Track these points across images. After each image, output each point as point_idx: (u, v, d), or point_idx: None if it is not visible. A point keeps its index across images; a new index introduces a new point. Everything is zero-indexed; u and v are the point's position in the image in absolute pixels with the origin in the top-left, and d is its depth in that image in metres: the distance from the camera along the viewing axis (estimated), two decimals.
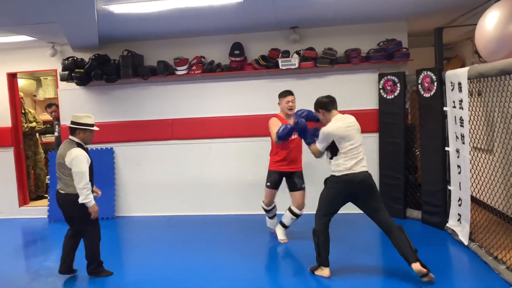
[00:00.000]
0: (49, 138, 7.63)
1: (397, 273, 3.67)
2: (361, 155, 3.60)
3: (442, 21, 5.53)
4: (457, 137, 4.27)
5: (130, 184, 6.00)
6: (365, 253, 4.22)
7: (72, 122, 3.75)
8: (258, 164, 5.67)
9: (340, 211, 3.72)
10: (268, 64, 5.43)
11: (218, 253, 4.38)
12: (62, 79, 5.76)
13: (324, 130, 3.61)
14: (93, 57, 5.62)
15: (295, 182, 4.44)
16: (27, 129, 6.66)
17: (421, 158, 5.01)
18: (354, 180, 3.52)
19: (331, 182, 3.62)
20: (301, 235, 4.54)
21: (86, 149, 3.76)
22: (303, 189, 4.46)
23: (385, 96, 5.30)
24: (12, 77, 6.29)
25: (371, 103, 5.47)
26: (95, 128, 3.81)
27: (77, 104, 6.00)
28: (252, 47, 5.64)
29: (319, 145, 3.67)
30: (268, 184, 4.52)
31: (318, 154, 3.73)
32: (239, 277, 3.82)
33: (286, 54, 5.41)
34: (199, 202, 5.85)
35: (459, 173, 4.27)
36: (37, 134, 7.17)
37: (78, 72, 5.60)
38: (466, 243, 4.15)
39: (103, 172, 5.95)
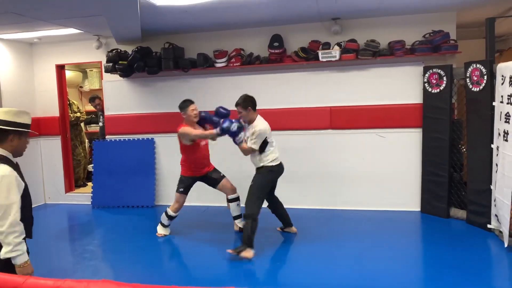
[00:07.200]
0: (94, 128, 7.93)
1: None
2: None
3: (494, 12, 5.22)
4: (499, 134, 4.07)
5: (170, 174, 6.12)
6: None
7: (3, 122, 2.26)
8: (294, 158, 5.64)
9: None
10: (308, 56, 5.35)
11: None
12: (107, 71, 5.94)
13: (259, 129, 4.04)
14: (136, 49, 5.75)
15: (214, 177, 4.69)
16: (73, 119, 6.94)
17: (468, 156, 4.78)
18: (282, 168, 4.24)
19: (265, 172, 4.12)
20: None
21: (17, 167, 2.33)
22: (224, 176, 4.73)
23: (430, 90, 5.08)
24: (60, 69, 6.57)
25: (415, 97, 5.27)
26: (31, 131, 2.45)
27: (120, 95, 6.19)
28: (291, 39, 5.57)
29: (254, 143, 4.05)
30: (181, 189, 4.63)
31: (249, 152, 4.13)
32: (263, 269, 3.81)
33: (327, 46, 5.30)
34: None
35: (496, 171, 4.11)
36: (82, 124, 7.46)
37: (122, 64, 5.76)
38: (506, 244, 3.99)
39: (144, 162, 6.14)
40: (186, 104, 4.54)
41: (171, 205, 4.71)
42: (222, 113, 4.48)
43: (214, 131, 4.25)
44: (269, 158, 4.13)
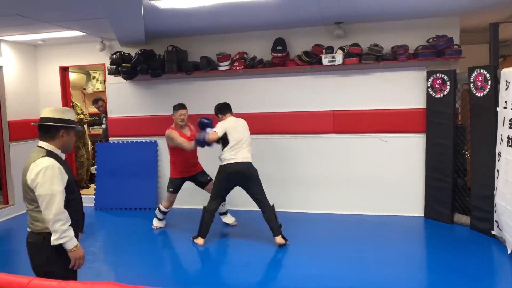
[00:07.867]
0: (97, 130, 7.95)
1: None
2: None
3: (498, 17, 5.21)
4: (501, 139, 4.05)
5: None
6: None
7: (53, 119, 2.48)
8: (297, 162, 5.63)
9: None
10: (311, 60, 5.35)
11: (251, 247, 4.38)
12: (110, 73, 5.96)
13: (221, 122, 4.50)
14: (140, 52, 5.76)
15: (201, 180, 4.99)
16: (76, 121, 6.95)
17: (472, 161, 4.76)
18: (235, 168, 4.37)
19: (218, 171, 4.46)
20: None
21: (64, 161, 2.47)
22: (211, 180, 4.94)
23: (433, 94, 5.07)
24: (64, 71, 6.59)
25: (418, 102, 5.26)
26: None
27: (124, 97, 6.20)
28: (294, 42, 5.57)
29: (216, 131, 4.41)
30: (171, 190, 4.94)
31: (214, 138, 4.41)
32: (265, 271, 3.80)
33: (330, 50, 5.30)
34: (236, 198, 5.86)
35: (497, 177, 4.08)
36: (85, 126, 7.48)
37: (125, 67, 5.77)
38: (509, 251, 3.98)
39: (146, 164, 6.15)
40: (177, 107, 4.83)
41: (163, 202, 5.10)
42: (203, 123, 4.58)
43: (192, 143, 4.60)
44: (223, 158, 4.41)
